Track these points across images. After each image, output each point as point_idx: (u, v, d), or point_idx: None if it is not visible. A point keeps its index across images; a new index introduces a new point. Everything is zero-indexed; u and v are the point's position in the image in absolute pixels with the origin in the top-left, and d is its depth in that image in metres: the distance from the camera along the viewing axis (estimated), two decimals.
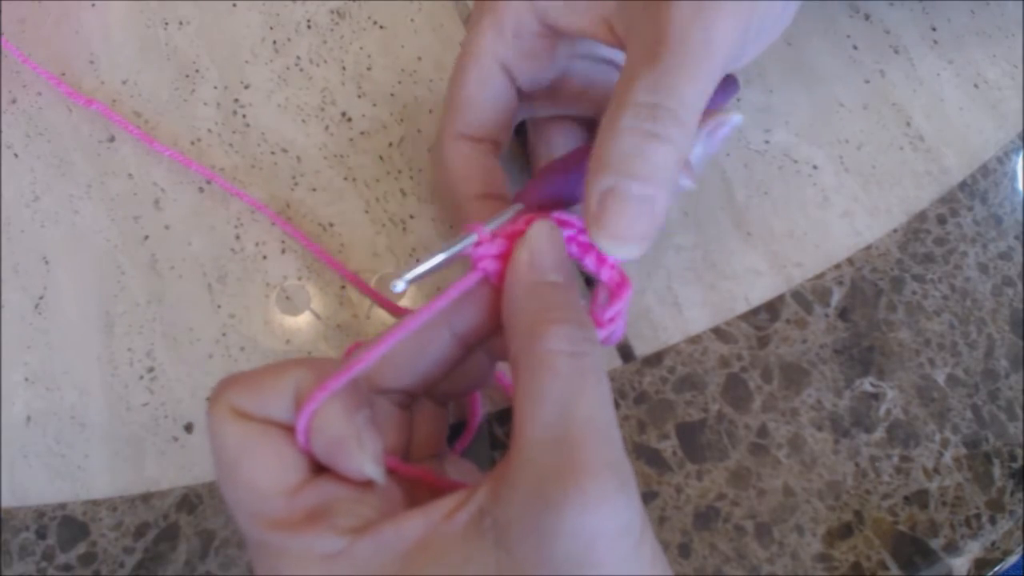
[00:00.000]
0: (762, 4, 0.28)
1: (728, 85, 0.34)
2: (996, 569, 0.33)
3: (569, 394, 0.23)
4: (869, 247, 0.36)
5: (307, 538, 0.24)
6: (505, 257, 0.28)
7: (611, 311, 0.28)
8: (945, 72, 0.38)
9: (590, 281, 0.35)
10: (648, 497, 0.33)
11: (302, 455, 0.25)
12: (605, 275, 0.28)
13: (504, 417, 0.34)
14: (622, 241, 0.26)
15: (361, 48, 0.39)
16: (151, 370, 0.35)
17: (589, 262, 0.28)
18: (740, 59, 0.30)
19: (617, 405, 0.34)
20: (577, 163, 0.31)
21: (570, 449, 0.23)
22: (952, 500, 0.33)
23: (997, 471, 0.34)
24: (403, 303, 0.35)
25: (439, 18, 0.39)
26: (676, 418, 0.34)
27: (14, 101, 0.38)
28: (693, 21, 0.26)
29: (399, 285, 0.27)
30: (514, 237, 0.28)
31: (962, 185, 0.37)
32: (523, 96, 0.33)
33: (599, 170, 0.26)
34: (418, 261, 0.27)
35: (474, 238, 0.28)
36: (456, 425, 0.32)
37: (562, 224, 0.28)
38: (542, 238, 0.27)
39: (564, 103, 0.34)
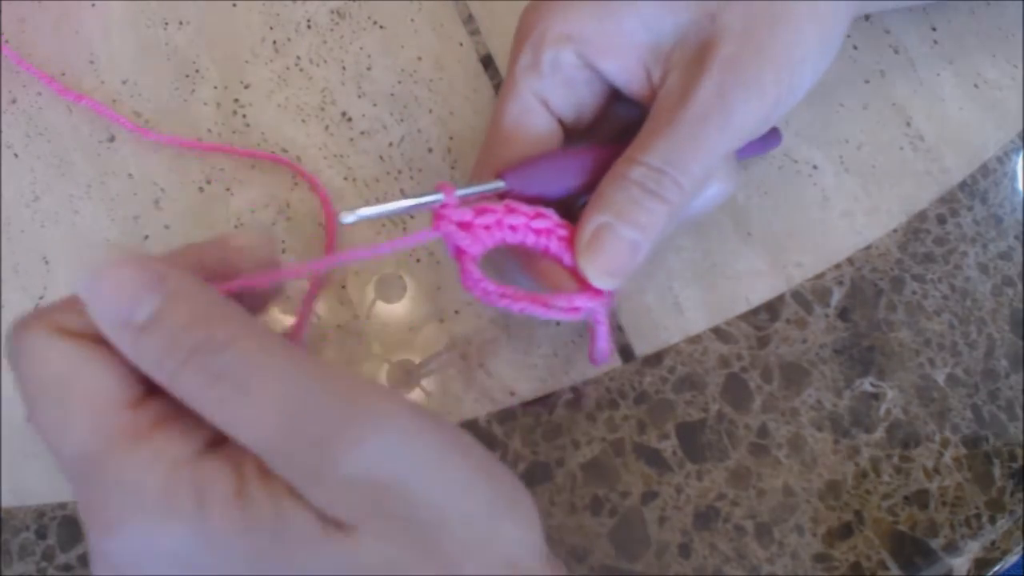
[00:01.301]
0: (795, 70, 0.29)
1: (770, 137, 0.35)
2: (996, 569, 0.33)
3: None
4: (869, 247, 0.36)
5: (158, 442, 0.23)
6: (466, 227, 0.28)
7: (578, 301, 0.29)
8: (945, 72, 0.38)
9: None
10: (648, 497, 0.33)
11: (138, 372, 0.23)
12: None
13: (504, 417, 0.34)
14: (601, 272, 0.29)
15: (361, 48, 0.39)
16: None
17: (567, 259, 0.29)
18: (769, 123, 0.31)
19: (617, 405, 0.34)
20: (572, 156, 0.31)
21: None
22: (952, 500, 0.33)
23: (997, 471, 0.34)
24: None
25: (439, 18, 0.39)
26: (676, 418, 0.34)
27: (14, 101, 0.38)
28: (715, 105, 0.28)
29: (348, 217, 0.26)
30: (482, 212, 0.28)
31: (962, 185, 0.37)
32: (567, 129, 0.32)
33: (600, 207, 0.29)
34: (378, 202, 0.27)
35: (440, 197, 0.28)
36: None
37: (539, 216, 0.29)
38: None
39: (582, 134, 0.33)
